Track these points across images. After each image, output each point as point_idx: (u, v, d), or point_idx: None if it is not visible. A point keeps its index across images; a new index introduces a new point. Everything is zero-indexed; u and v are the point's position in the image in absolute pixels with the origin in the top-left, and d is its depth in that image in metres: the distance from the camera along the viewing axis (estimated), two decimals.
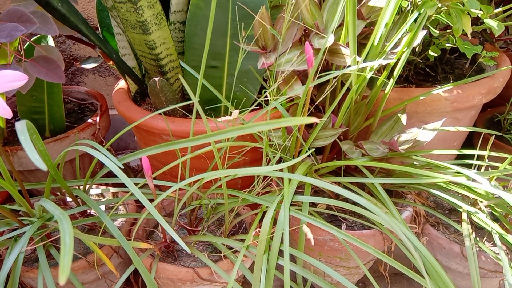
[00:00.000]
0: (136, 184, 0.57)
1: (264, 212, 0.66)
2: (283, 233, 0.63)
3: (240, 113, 0.83)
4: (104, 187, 0.93)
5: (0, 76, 0.50)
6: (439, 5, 0.78)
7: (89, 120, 1.07)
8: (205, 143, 0.63)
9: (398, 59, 0.75)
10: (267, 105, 0.75)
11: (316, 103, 0.77)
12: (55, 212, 0.41)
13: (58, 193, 0.85)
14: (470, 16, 0.79)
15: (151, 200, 0.61)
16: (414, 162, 0.81)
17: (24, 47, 0.98)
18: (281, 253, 0.62)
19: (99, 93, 1.22)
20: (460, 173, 0.73)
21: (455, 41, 0.90)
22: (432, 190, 0.77)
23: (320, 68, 0.78)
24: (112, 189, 0.92)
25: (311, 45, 0.71)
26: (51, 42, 1.06)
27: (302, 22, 0.74)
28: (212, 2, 0.61)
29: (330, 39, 0.69)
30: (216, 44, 0.84)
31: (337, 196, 0.83)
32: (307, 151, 0.75)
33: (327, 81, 0.81)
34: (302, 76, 0.82)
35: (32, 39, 1.03)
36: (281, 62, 0.75)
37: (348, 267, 0.83)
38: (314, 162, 0.85)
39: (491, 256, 0.74)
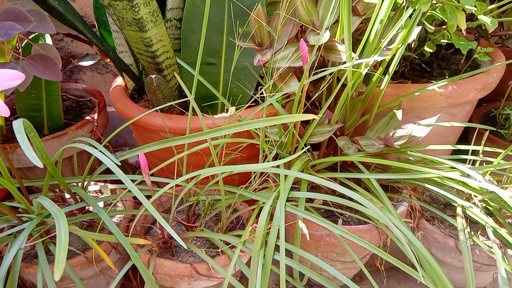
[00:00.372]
0: (133, 181, 0.58)
1: (261, 208, 0.67)
2: (279, 228, 0.63)
3: (236, 109, 0.84)
4: (102, 184, 0.94)
5: None
6: (434, 1, 0.79)
7: (87, 117, 1.08)
8: (202, 140, 0.64)
9: (394, 55, 0.75)
10: (263, 101, 0.76)
11: (312, 99, 0.77)
12: (52, 209, 0.42)
13: (57, 190, 0.86)
14: (465, 12, 0.80)
15: (149, 197, 0.62)
16: (410, 158, 0.82)
17: (22, 46, 0.98)
18: (277, 248, 0.62)
19: (97, 90, 1.23)
20: (455, 168, 0.73)
21: (450, 37, 0.91)
22: (427, 185, 0.78)
23: (316, 65, 0.79)
24: (111, 186, 0.92)
25: (307, 42, 0.72)
26: (48, 40, 1.06)
27: (298, 19, 0.75)
28: None
29: (326, 36, 0.70)
30: (213, 41, 0.85)
31: (333, 192, 0.84)
32: (303, 148, 0.76)
33: (324, 78, 0.82)
34: (299, 73, 0.82)
35: (29, 37, 1.03)
36: (277, 59, 0.75)
37: (345, 261, 0.84)
38: (310, 158, 0.86)
39: (485, 250, 0.75)
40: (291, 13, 0.74)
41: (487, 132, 0.85)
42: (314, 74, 0.69)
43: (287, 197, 0.67)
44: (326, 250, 0.82)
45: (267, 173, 0.77)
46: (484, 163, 0.81)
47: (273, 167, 0.71)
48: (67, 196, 0.85)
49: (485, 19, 0.77)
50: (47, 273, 0.65)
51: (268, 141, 0.79)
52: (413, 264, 0.62)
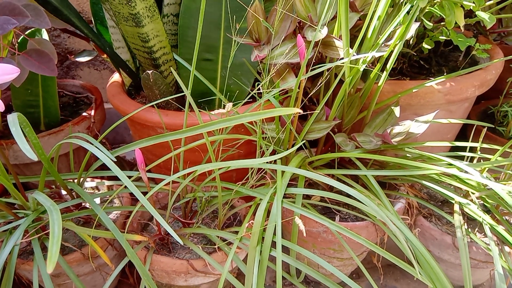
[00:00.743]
0: (129, 177, 0.58)
1: (258, 205, 0.67)
2: (276, 225, 0.63)
3: (233, 106, 0.83)
4: (99, 180, 0.94)
5: None
6: None
7: (84, 114, 1.07)
8: (199, 136, 0.63)
9: (391, 52, 0.75)
10: (261, 98, 0.75)
11: (310, 95, 0.77)
12: (46, 204, 0.42)
13: (53, 186, 0.85)
14: (463, 8, 0.80)
15: (146, 193, 0.61)
16: (407, 155, 0.81)
17: (18, 41, 0.97)
18: (274, 244, 0.62)
19: (94, 86, 1.22)
20: (452, 165, 0.73)
21: (449, 34, 0.91)
22: (424, 182, 0.77)
23: (314, 61, 0.78)
24: (107, 182, 0.92)
25: (304, 37, 0.71)
26: (45, 35, 1.05)
27: (296, 14, 0.74)
28: None
29: (323, 32, 0.70)
30: (210, 37, 0.84)
31: (331, 188, 0.84)
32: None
33: (321, 74, 0.82)
34: (296, 69, 0.82)
35: (26, 33, 1.02)
36: (274, 55, 0.75)
37: (342, 258, 0.84)
38: (307, 154, 0.85)
39: (482, 247, 0.75)
40: (289, 9, 0.74)
41: (485, 129, 0.85)
42: (312, 70, 0.69)
43: (284, 194, 0.67)
44: (323, 247, 0.81)
45: (264, 169, 0.77)
46: (482, 160, 0.80)
47: (270, 162, 0.71)
48: (64, 192, 0.85)
49: (483, 15, 0.77)
50: (43, 270, 0.65)
51: (266, 137, 0.79)
52: (410, 261, 0.62)
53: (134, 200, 0.90)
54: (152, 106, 0.86)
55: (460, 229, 0.73)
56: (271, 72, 0.73)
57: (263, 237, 0.64)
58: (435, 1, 0.83)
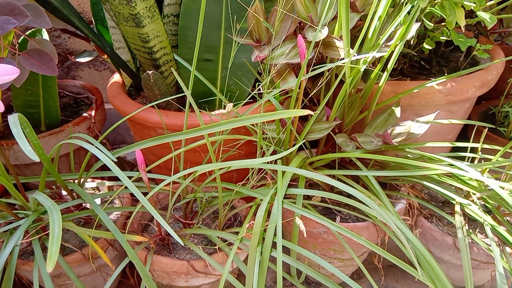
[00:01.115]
0: (130, 177, 0.58)
1: (259, 205, 0.66)
2: (276, 225, 0.63)
3: (234, 106, 0.83)
4: (99, 180, 0.94)
5: None
6: None
7: (85, 114, 1.07)
8: (199, 136, 0.63)
9: (392, 52, 0.75)
10: (261, 98, 0.75)
11: (310, 95, 0.77)
12: (46, 204, 0.42)
13: (54, 187, 0.85)
14: (464, 9, 0.79)
15: (146, 194, 0.61)
16: (408, 155, 0.81)
17: (19, 42, 0.97)
18: (275, 245, 0.62)
19: (95, 87, 1.22)
20: (453, 165, 0.73)
21: (450, 34, 0.90)
22: (425, 183, 0.77)
23: (314, 61, 0.78)
24: (108, 183, 0.92)
25: (305, 38, 0.71)
26: (45, 36, 1.05)
27: (296, 15, 0.74)
28: None
29: (324, 32, 0.70)
30: (210, 37, 0.84)
31: (331, 189, 0.83)
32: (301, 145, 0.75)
33: (322, 74, 0.81)
34: (297, 69, 0.82)
35: (26, 33, 1.02)
36: (275, 55, 0.75)
37: (343, 259, 0.83)
38: (308, 155, 0.85)
39: (483, 247, 0.75)
40: (289, 9, 0.74)
41: (486, 130, 0.85)
42: (312, 70, 0.69)
43: (285, 194, 0.67)
44: (324, 248, 0.81)
45: (265, 170, 0.77)
46: (482, 161, 0.80)
47: (270, 163, 0.71)
48: (64, 193, 0.85)
49: (484, 16, 0.76)
50: (43, 270, 0.65)
51: (266, 138, 0.79)
52: (411, 261, 0.62)
53: (134, 201, 0.90)
54: (153, 106, 0.86)
55: (461, 230, 0.73)
56: (271, 72, 0.73)
57: (263, 238, 0.64)
58: (435, 1, 0.83)
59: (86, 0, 1.35)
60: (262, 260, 0.62)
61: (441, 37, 0.94)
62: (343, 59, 0.70)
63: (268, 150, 0.76)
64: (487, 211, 0.80)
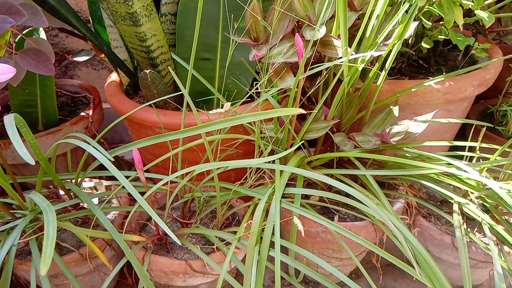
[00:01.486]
0: (127, 177, 0.58)
1: (256, 205, 0.66)
2: (274, 225, 0.63)
3: (232, 105, 0.83)
4: (97, 180, 0.93)
5: None
6: None
7: (82, 114, 1.07)
8: (197, 135, 0.63)
9: (390, 51, 0.75)
10: (259, 97, 0.75)
11: (308, 94, 0.77)
12: (42, 204, 0.41)
13: (51, 186, 0.85)
14: (462, 7, 0.79)
15: (144, 193, 0.61)
16: (406, 154, 0.81)
17: (16, 41, 0.97)
18: (273, 245, 0.62)
19: (92, 86, 1.22)
20: (451, 164, 0.73)
21: (448, 33, 0.90)
22: (424, 182, 0.77)
23: (312, 60, 0.78)
24: (105, 182, 0.92)
25: (303, 37, 0.71)
26: (43, 35, 1.05)
27: (294, 14, 0.74)
28: None
29: (322, 31, 0.69)
30: (208, 36, 0.84)
31: (329, 188, 0.83)
32: (298, 143, 0.75)
33: (320, 73, 0.81)
34: (294, 68, 0.82)
35: (23, 32, 1.02)
36: (273, 54, 0.74)
37: (341, 258, 0.83)
38: (306, 154, 0.85)
39: (481, 246, 0.75)
40: (287, 8, 0.73)
41: (484, 129, 0.85)
42: (310, 69, 0.68)
43: (283, 194, 0.67)
44: (322, 247, 0.81)
45: (263, 169, 0.76)
46: (481, 160, 0.80)
47: (268, 162, 0.71)
48: (62, 192, 0.85)
49: (482, 14, 0.76)
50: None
51: (264, 137, 0.79)
52: (409, 261, 0.62)
53: (132, 200, 0.90)
54: (150, 105, 0.86)
55: (459, 229, 0.73)
56: (269, 71, 0.72)
57: (261, 237, 0.64)
58: (434, 0, 0.83)
59: None
60: (260, 260, 0.62)
61: (439, 36, 0.94)
62: (341, 58, 0.70)
63: (266, 149, 0.75)
64: (485, 210, 0.80)
